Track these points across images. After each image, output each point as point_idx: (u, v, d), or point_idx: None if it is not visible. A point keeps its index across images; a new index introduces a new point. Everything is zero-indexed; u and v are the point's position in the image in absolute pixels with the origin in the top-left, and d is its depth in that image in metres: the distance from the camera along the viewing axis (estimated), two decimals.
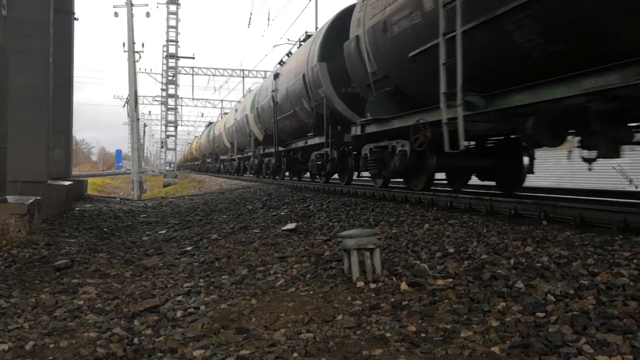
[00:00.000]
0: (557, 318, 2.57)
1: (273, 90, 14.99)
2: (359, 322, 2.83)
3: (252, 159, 19.93)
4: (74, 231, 7.45)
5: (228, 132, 26.50)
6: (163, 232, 7.53)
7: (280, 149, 15.58)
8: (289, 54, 15.40)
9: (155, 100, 50.71)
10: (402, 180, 8.62)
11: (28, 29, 8.50)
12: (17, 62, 7.67)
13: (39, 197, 6.86)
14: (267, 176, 18.32)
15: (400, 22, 6.83)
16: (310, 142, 12.39)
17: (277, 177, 17.16)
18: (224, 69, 46.68)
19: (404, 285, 3.38)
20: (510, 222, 4.92)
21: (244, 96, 34.90)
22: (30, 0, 8.59)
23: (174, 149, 42.84)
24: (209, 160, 36.82)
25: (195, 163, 49.16)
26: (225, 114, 38.02)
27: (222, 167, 30.90)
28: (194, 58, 41.40)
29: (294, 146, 14.28)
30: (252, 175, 21.29)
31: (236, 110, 24.74)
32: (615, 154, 4.71)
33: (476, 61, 5.29)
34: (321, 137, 11.28)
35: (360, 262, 3.63)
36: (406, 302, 3.09)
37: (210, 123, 43.99)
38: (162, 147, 46.95)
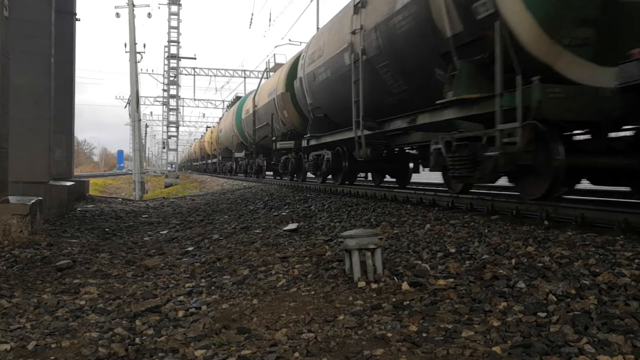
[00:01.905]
0: (558, 318, 2.57)
1: None
2: (360, 322, 2.83)
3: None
4: (76, 231, 7.46)
5: (312, 84, 11.09)
6: (164, 232, 7.54)
7: None
8: None
9: (157, 101, 50.77)
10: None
11: (30, 30, 8.52)
12: (19, 62, 7.69)
13: (40, 198, 6.87)
14: None
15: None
16: None
17: None
18: (226, 70, 46.73)
19: (405, 286, 3.38)
20: (512, 222, 4.91)
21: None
22: (31, 1, 8.60)
23: (176, 150, 42.85)
24: (238, 154, 23.71)
25: (210, 162, 37.10)
26: (270, 72, 21.71)
27: (267, 165, 18.81)
28: (195, 59, 41.48)
29: None
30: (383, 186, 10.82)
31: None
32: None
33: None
34: None
35: (362, 262, 3.63)
36: (407, 302, 3.09)
37: (238, 98, 29.06)
38: (163, 147, 46.91)
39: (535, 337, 2.40)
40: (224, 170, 29.96)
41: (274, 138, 15.58)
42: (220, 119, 33.35)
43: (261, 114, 17.71)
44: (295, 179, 15.36)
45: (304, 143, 12.52)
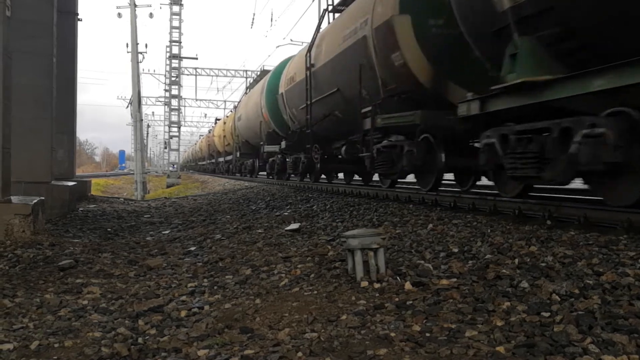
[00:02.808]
0: (562, 318, 2.56)
1: None
2: (363, 322, 2.83)
3: None
4: (78, 231, 7.46)
5: None
6: (167, 232, 7.54)
7: None
8: None
9: (159, 101, 50.82)
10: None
11: (31, 30, 8.52)
12: (21, 62, 7.69)
13: (42, 198, 6.87)
14: None
15: None
16: None
17: None
18: (227, 70, 46.85)
19: (408, 285, 3.37)
20: (515, 222, 4.90)
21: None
22: (33, 1, 8.61)
23: (178, 150, 42.88)
24: (270, 148, 16.23)
25: (222, 160, 30.11)
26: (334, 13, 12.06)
27: (321, 161, 12.32)
28: (197, 59, 41.63)
29: None
30: None
31: None
32: None
33: None
34: None
35: (364, 262, 3.63)
36: (410, 302, 3.08)
37: (265, 71, 21.34)
38: (165, 147, 46.92)
39: (539, 337, 2.39)
40: (243, 171, 23.37)
41: (367, 109, 8.55)
42: (236, 106, 25.71)
43: (325, 77, 10.83)
44: (419, 187, 8.41)
45: (476, 107, 5.64)
